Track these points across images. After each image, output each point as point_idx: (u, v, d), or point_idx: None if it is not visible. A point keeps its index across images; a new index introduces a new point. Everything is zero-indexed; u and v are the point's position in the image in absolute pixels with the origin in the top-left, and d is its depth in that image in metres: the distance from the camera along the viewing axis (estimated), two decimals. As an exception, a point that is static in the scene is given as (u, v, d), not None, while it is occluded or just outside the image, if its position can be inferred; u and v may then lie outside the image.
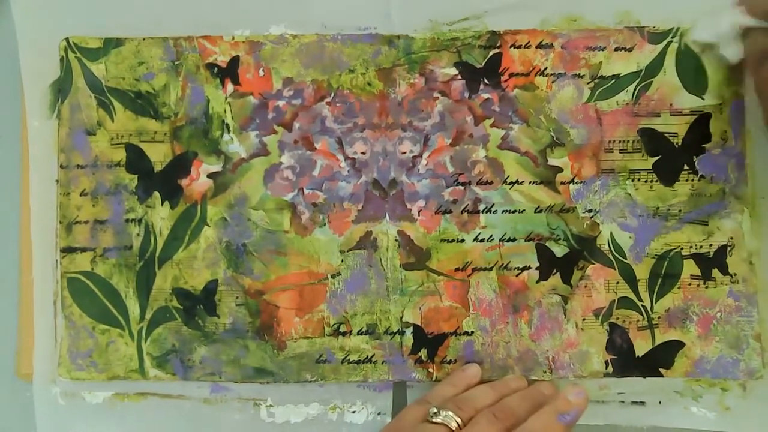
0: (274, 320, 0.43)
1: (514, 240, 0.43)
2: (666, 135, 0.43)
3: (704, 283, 0.43)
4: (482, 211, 0.43)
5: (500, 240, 0.43)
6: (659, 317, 0.42)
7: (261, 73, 0.44)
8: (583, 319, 0.43)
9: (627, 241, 0.43)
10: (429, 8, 0.44)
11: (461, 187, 0.43)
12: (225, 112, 0.43)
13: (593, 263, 0.43)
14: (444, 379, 0.42)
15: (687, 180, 0.43)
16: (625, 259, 0.43)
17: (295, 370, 0.43)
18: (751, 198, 0.43)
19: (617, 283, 0.43)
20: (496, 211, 0.43)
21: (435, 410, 0.37)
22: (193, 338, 0.43)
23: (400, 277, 0.43)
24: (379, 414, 0.43)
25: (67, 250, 0.43)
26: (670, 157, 0.43)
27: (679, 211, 0.43)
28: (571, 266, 0.43)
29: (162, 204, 0.43)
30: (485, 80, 0.43)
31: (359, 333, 0.43)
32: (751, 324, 0.42)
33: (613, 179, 0.43)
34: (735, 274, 0.42)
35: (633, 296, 0.43)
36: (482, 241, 0.43)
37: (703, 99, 0.43)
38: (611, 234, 0.43)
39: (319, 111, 0.43)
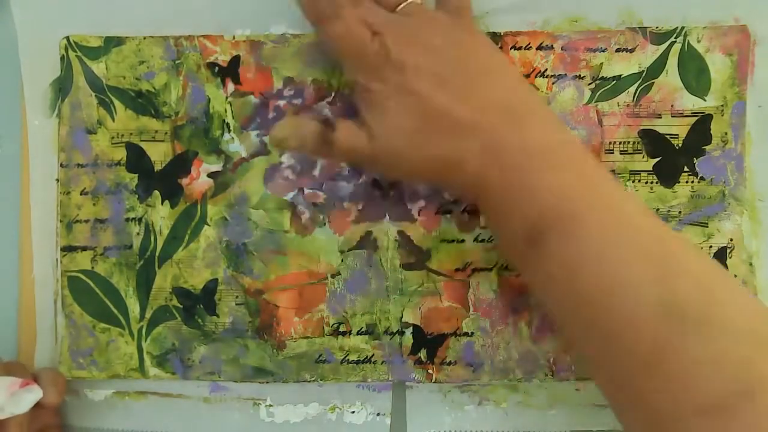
0: (274, 320, 0.43)
1: (514, 241, 0.43)
2: (667, 137, 0.43)
3: (704, 285, 0.43)
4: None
5: (500, 241, 0.43)
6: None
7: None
8: (583, 320, 0.43)
9: (627, 243, 0.43)
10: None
11: (461, 188, 0.43)
12: (226, 111, 0.43)
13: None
14: None
15: (687, 182, 0.43)
16: (626, 260, 0.43)
17: (295, 370, 0.43)
18: (751, 200, 0.43)
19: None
20: (496, 211, 0.43)
21: None
22: (193, 337, 0.43)
23: (399, 277, 0.43)
24: (378, 414, 0.43)
25: (68, 249, 0.43)
26: (670, 159, 0.43)
27: (680, 212, 0.43)
28: (571, 267, 0.43)
29: (162, 203, 0.43)
30: (486, 81, 0.43)
31: (359, 333, 0.43)
32: (751, 326, 0.42)
33: (613, 180, 0.43)
34: (735, 276, 0.42)
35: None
36: (482, 241, 0.43)
37: (705, 100, 0.43)
38: (611, 235, 0.43)
39: (320, 111, 0.43)
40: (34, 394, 0.38)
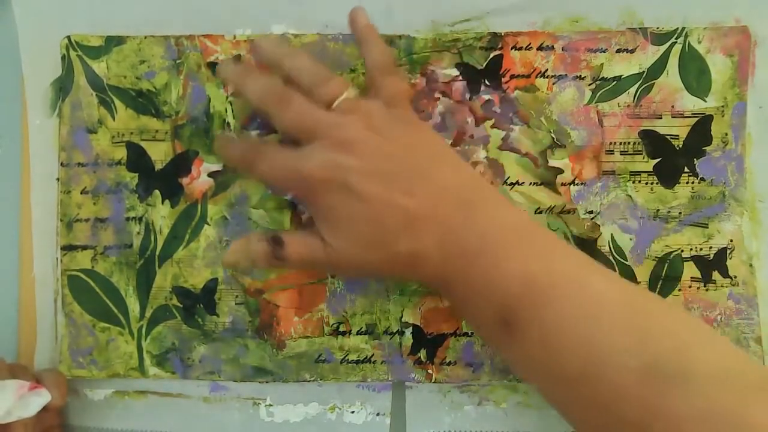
0: (274, 319, 0.43)
1: (514, 241, 0.43)
2: (667, 137, 0.43)
3: (704, 286, 0.43)
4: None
5: (500, 241, 0.43)
6: (659, 319, 0.42)
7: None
8: (583, 321, 0.42)
9: (627, 243, 0.43)
10: (430, 9, 0.43)
11: (462, 188, 0.43)
12: (226, 111, 0.43)
13: (593, 265, 0.43)
14: None
15: (687, 182, 0.43)
16: (626, 260, 0.43)
17: (294, 370, 0.43)
18: (751, 201, 0.43)
19: (617, 284, 0.43)
20: (496, 212, 0.43)
21: None
22: (193, 337, 0.43)
23: (400, 277, 0.43)
24: (378, 414, 0.43)
25: (68, 248, 0.43)
26: (670, 160, 0.43)
27: (680, 213, 0.43)
28: (571, 267, 0.43)
29: (162, 203, 0.43)
30: (486, 81, 0.43)
31: (358, 333, 0.43)
32: (752, 327, 0.42)
33: (613, 181, 0.43)
34: (735, 277, 0.42)
35: (633, 298, 0.43)
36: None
37: (705, 101, 0.43)
38: (612, 236, 0.43)
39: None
40: (42, 398, 0.38)
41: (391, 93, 0.38)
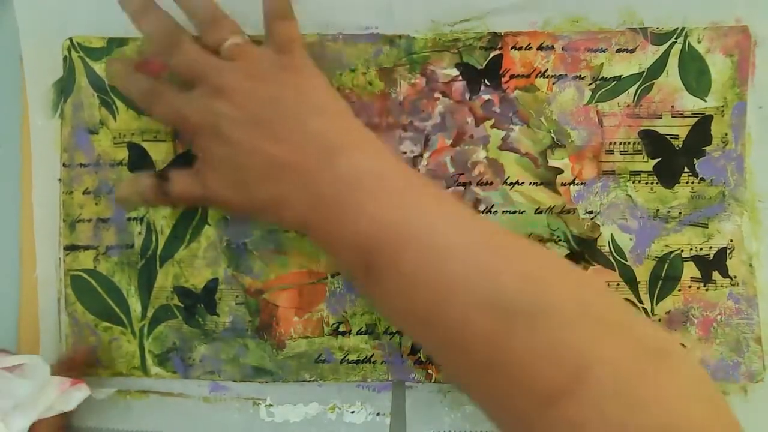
0: (274, 319, 0.43)
1: (514, 241, 0.43)
2: (667, 137, 0.43)
3: (704, 286, 0.43)
4: (482, 212, 0.43)
5: (500, 241, 0.43)
6: (660, 320, 0.42)
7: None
8: (584, 321, 0.42)
9: (627, 243, 0.43)
10: (430, 9, 0.43)
11: (461, 188, 0.43)
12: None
13: (594, 265, 0.43)
14: None
15: (687, 182, 0.43)
16: (626, 260, 0.43)
17: (294, 370, 0.43)
18: (751, 201, 0.43)
19: (618, 284, 0.43)
20: (496, 211, 0.43)
21: None
22: (194, 337, 0.43)
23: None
24: (378, 414, 0.43)
25: (70, 248, 0.44)
26: (670, 160, 0.43)
27: (680, 213, 0.43)
28: (571, 267, 0.43)
29: (163, 203, 0.44)
30: (486, 81, 0.43)
31: (358, 333, 0.43)
32: (752, 327, 0.42)
33: (613, 181, 0.43)
34: (735, 277, 0.42)
35: (633, 298, 0.43)
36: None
37: (705, 101, 0.43)
38: (612, 236, 0.43)
39: None
40: (82, 392, 0.39)
41: (283, 39, 0.39)
